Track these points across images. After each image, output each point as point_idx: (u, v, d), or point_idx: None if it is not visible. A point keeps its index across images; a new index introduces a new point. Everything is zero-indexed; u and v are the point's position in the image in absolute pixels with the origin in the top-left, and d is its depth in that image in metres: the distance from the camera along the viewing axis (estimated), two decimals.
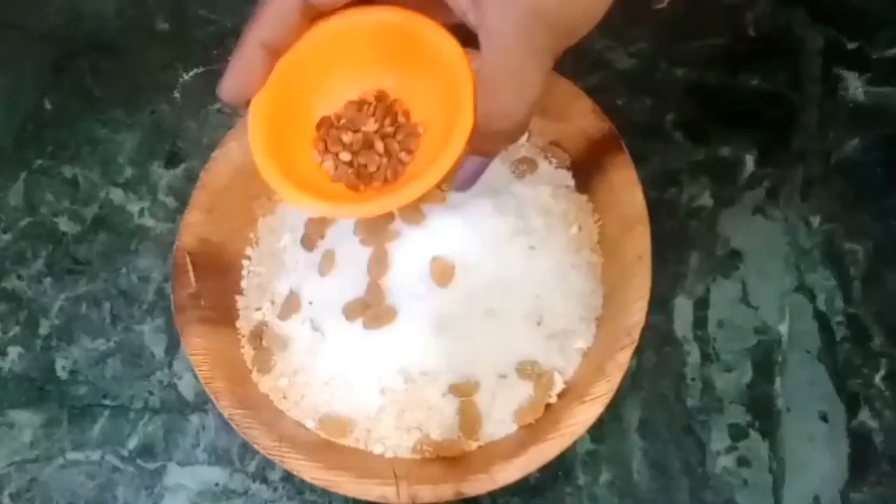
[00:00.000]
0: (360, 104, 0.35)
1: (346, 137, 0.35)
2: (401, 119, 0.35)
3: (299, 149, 0.35)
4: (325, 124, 0.35)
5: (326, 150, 0.35)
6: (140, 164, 0.51)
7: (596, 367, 0.38)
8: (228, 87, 0.32)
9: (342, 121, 0.35)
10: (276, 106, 0.33)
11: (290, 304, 0.42)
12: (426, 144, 0.34)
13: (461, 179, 0.36)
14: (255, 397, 0.41)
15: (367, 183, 0.35)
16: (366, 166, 0.35)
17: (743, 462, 0.41)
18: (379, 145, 0.35)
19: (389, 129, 0.35)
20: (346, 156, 0.35)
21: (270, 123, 0.33)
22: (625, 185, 0.41)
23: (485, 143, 0.33)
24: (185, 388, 0.45)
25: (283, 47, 0.32)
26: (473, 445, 0.39)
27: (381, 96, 0.35)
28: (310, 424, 0.41)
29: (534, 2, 0.29)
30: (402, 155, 0.34)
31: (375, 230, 0.41)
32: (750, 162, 0.48)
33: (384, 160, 0.35)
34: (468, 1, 0.30)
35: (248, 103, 0.33)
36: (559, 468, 0.41)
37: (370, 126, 0.35)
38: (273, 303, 0.43)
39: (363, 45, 0.34)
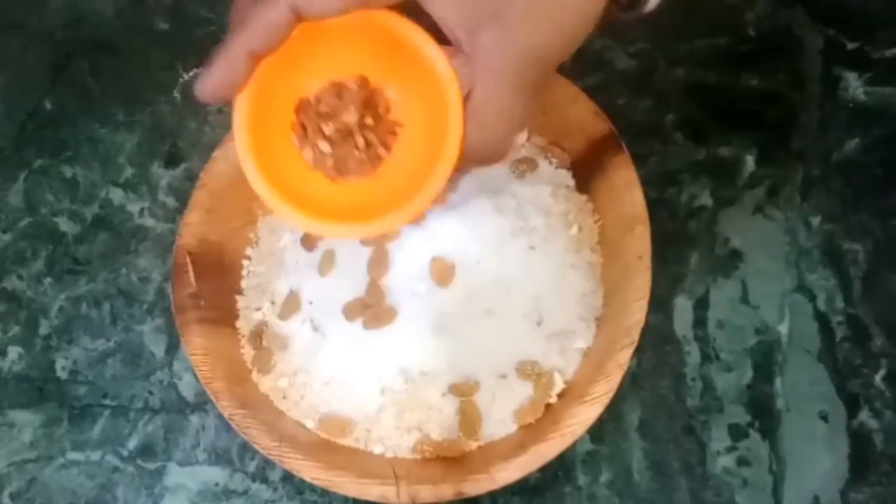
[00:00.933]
0: (340, 87, 0.34)
1: (328, 129, 0.35)
2: (381, 111, 0.35)
3: (285, 147, 0.35)
4: (304, 108, 0.35)
5: (305, 135, 0.35)
6: (140, 164, 0.51)
7: (596, 367, 0.38)
8: (208, 88, 0.32)
9: (321, 105, 0.34)
10: (259, 104, 0.33)
11: (290, 304, 0.42)
12: (404, 143, 0.35)
13: None
14: (255, 397, 0.41)
15: (343, 174, 0.35)
16: (345, 160, 0.35)
17: (743, 462, 0.41)
18: (359, 140, 0.35)
19: (369, 122, 0.35)
20: (325, 147, 0.35)
21: (255, 125, 0.33)
22: (625, 185, 0.41)
23: (465, 165, 0.34)
24: (185, 388, 0.45)
25: (268, 54, 0.32)
26: (473, 445, 0.39)
27: (362, 83, 0.35)
28: (310, 424, 0.41)
29: (531, 41, 0.30)
30: (381, 150, 0.35)
31: None
32: (750, 162, 0.47)
33: (363, 154, 0.35)
34: (464, 33, 0.31)
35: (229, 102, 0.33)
36: (559, 468, 0.41)
37: (350, 116, 0.35)
38: (273, 303, 0.43)
39: (349, 44, 0.34)
